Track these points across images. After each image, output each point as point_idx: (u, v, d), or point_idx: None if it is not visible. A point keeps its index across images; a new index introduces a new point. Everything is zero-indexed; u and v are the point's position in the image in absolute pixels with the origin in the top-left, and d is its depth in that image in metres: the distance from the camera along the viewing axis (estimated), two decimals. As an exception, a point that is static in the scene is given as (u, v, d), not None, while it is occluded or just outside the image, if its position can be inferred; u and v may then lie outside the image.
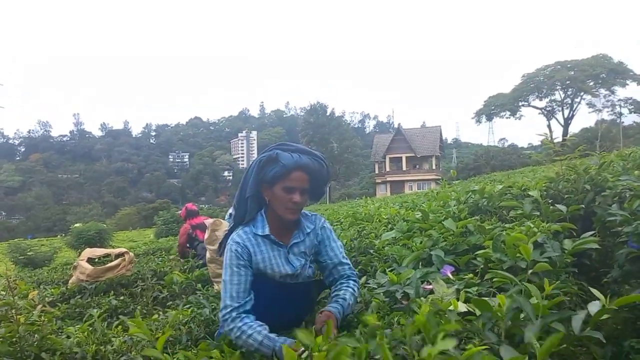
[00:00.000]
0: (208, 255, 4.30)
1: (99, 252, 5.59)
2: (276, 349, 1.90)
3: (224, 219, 4.52)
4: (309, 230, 2.32)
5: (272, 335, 1.96)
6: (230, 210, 2.68)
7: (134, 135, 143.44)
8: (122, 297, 4.29)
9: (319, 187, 2.30)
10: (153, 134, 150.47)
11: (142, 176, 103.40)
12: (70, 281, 5.32)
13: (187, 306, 3.11)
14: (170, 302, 3.89)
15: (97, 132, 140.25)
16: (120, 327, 2.97)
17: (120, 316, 3.26)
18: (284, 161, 2.13)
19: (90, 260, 5.32)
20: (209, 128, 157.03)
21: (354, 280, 2.30)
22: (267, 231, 2.21)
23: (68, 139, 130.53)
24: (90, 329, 2.84)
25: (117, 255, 5.39)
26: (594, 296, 1.70)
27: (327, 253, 2.34)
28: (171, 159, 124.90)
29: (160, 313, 3.24)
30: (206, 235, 4.28)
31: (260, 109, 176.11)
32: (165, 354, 1.90)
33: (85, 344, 2.60)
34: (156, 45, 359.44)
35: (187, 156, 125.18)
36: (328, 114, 67.78)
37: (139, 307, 3.89)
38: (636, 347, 2.46)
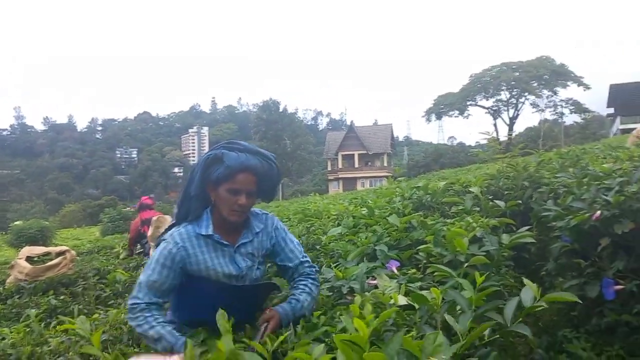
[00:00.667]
0: (152, 252, 4.21)
1: (38, 250, 5.38)
2: (175, 347, 1.84)
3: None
4: (258, 230, 2.21)
5: (177, 334, 1.91)
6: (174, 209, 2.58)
7: (78, 130, 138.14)
8: (62, 297, 4.14)
9: (269, 187, 2.22)
10: (99, 128, 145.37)
11: (87, 172, 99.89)
12: (7, 281, 5.10)
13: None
14: (113, 301, 3.79)
15: (40, 126, 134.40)
16: (58, 327, 2.87)
17: (60, 316, 3.15)
18: (229, 162, 2.04)
19: (29, 259, 5.12)
20: (158, 123, 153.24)
21: (313, 278, 2.20)
22: (210, 231, 2.11)
23: (8, 133, 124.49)
24: (27, 329, 2.74)
25: (58, 254, 5.20)
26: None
27: (285, 255, 2.24)
28: (118, 155, 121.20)
29: (102, 312, 3.14)
30: (149, 232, 4.19)
31: (212, 105, 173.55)
32: (104, 353, 1.85)
33: (21, 345, 2.51)
34: (103, 36, 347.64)
35: (135, 152, 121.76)
36: (281, 110, 67.68)
37: (79, 306, 3.76)
38: (569, 337, 2.58)
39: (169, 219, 4.27)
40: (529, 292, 1.69)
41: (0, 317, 3.82)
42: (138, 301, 1.96)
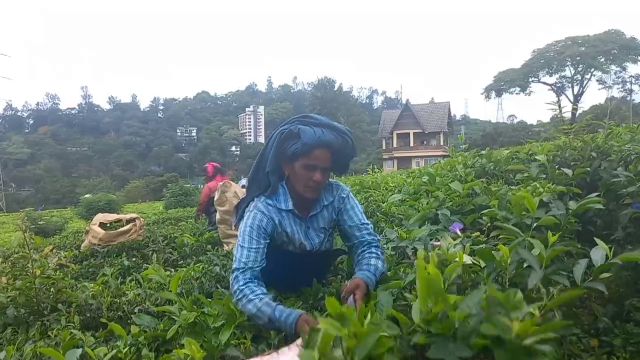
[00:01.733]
0: (218, 216, 4.36)
1: (110, 217, 5.68)
2: (275, 317, 1.76)
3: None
4: (327, 203, 2.21)
5: (273, 303, 1.84)
6: (243, 182, 2.63)
7: (141, 109, 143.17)
8: (134, 259, 4.38)
9: (343, 161, 2.19)
10: (161, 107, 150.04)
11: (150, 150, 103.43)
12: (82, 245, 5.43)
13: (198, 264, 3.18)
14: (182, 262, 3.97)
15: (106, 105, 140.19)
16: (133, 282, 3.06)
17: (134, 273, 3.35)
18: (306, 138, 2.01)
19: (102, 225, 5.42)
20: (217, 102, 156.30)
21: (376, 246, 2.17)
22: (290, 206, 2.12)
23: (76, 111, 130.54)
24: (105, 285, 2.93)
25: (129, 221, 5.48)
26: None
27: (349, 218, 2.22)
28: (179, 133, 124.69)
29: (172, 271, 3.32)
30: (216, 197, 4.33)
31: (268, 84, 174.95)
32: (180, 298, 1.98)
33: (100, 296, 2.68)
34: (164, 17, 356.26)
35: (194, 130, 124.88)
36: (336, 89, 67.40)
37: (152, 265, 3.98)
38: (637, 306, 2.51)
39: (235, 185, 4.42)
40: (600, 251, 1.66)
41: (78, 275, 4.08)
42: (236, 273, 1.97)
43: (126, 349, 1.70)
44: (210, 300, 2.01)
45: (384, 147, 62.58)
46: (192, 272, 2.81)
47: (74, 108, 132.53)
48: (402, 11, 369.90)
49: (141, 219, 5.53)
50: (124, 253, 4.72)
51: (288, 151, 2.05)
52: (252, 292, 1.88)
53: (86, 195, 18.39)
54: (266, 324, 1.79)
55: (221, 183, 4.41)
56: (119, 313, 2.51)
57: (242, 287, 1.90)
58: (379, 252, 2.13)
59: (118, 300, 2.61)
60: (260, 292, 1.89)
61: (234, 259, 2.03)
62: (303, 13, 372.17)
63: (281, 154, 2.09)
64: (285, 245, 2.14)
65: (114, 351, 1.67)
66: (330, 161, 2.08)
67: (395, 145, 60.50)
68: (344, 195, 2.26)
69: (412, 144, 59.73)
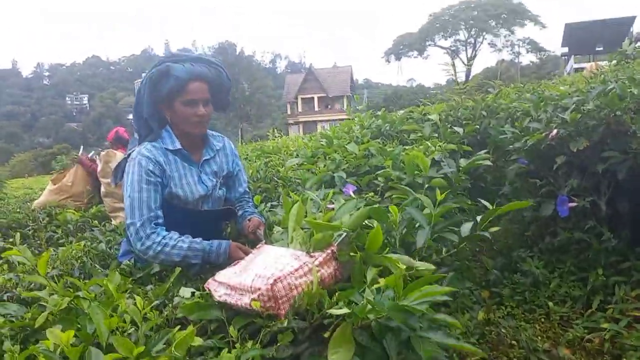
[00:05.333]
0: (102, 189, 4.06)
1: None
2: (209, 249, 1.85)
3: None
4: (217, 148, 2.22)
5: (198, 239, 1.87)
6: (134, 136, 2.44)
7: (24, 76, 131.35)
8: (11, 240, 3.97)
9: (221, 95, 2.17)
10: (46, 74, 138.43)
11: (36, 120, 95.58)
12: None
13: (81, 242, 2.93)
14: (64, 241, 3.67)
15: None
16: (6, 265, 2.75)
17: (3, 255, 3.03)
18: (177, 73, 1.95)
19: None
20: (110, 68, 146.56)
21: (251, 205, 2.35)
22: (178, 145, 2.04)
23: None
24: (-28, 272, 2.60)
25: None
26: (486, 211, 1.74)
27: (238, 182, 2.33)
28: (69, 102, 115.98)
29: (53, 251, 3.03)
30: (99, 168, 4.02)
31: (165, 48, 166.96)
32: (50, 282, 1.76)
33: (-37, 286, 2.38)
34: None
35: (86, 98, 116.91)
36: (237, 53, 65.78)
37: (30, 249, 3.62)
38: (522, 256, 2.65)
39: (119, 155, 4.11)
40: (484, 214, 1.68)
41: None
42: (139, 224, 1.88)
43: (-15, 343, 1.48)
44: (86, 282, 1.81)
45: (289, 112, 62.50)
46: (73, 251, 2.55)
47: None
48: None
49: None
50: (0, 234, 4.28)
51: (163, 92, 1.99)
52: (170, 237, 1.86)
53: (-38, 172, 16.66)
54: (198, 261, 1.84)
55: (103, 153, 4.09)
56: (-15, 302, 2.22)
57: (155, 238, 1.86)
58: (255, 209, 2.33)
59: (-16, 288, 2.31)
60: (176, 235, 1.88)
61: (128, 212, 1.93)
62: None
63: (156, 97, 2.02)
64: (176, 199, 2.03)
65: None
66: (208, 93, 2.06)
67: (300, 110, 60.60)
68: (235, 152, 2.33)
69: (316, 109, 60.13)
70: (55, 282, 1.77)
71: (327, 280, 1.30)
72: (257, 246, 1.65)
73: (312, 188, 2.46)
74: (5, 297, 2.19)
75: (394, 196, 2.08)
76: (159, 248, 1.85)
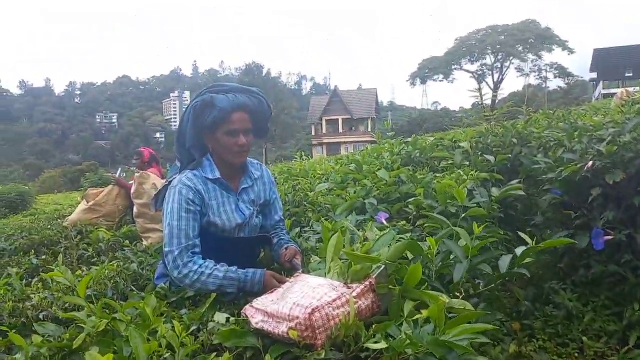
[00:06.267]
0: (135, 209, 4.13)
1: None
2: (244, 278, 1.86)
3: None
4: (256, 177, 2.23)
5: (233, 268, 1.90)
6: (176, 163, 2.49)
7: (57, 94, 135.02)
8: (44, 257, 4.06)
9: (262, 123, 2.21)
10: (78, 93, 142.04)
11: (67, 138, 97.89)
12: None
13: (114, 262, 2.97)
14: (96, 260, 3.73)
15: (16, 91, 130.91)
16: (40, 284, 2.81)
17: (42, 274, 3.09)
18: (221, 104, 2.00)
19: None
20: (139, 88, 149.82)
21: (286, 233, 2.36)
22: (217, 174, 2.08)
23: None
24: (8, 287, 2.67)
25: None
26: (519, 242, 1.73)
27: (275, 210, 2.34)
28: (98, 120, 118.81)
29: (84, 269, 3.08)
30: (133, 189, 4.09)
31: (194, 69, 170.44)
32: (89, 303, 1.80)
33: (2, 301, 2.44)
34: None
35: (115, 117, 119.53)
36: (264, 74, 66.75)
37: (62, 265, 3.69)
38: (555, 288, 2.59)
39: (154, 177, 4.19)
40: (523, 247, 1.67)
41: (-21, 278, 3.74)
42: (177, 253, 1.93)
43: (25, 363, 1.51)
44: (122, 303, 1.84)
45: (313, 134, 62.81)
46: (106, 272, 2.60)
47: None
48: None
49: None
50: (33, 251, 4.37)
51: (206, 122, 2.03)
52: (206, 267, 1.89)
53: (-5, 187, 17.09)
54: (234, 290, 1.87)
55: (138, 174, 4.16)
56: (22, 319, 2.27)
57: (192, 267, 1.89)
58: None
59: (21, 305, 2.36)
60: (212, 264, 1.90)
61: (167, 240, 1.97)
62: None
63: (199, 127, 2.06)
64: (213, 227, 2.07)
65: (11, 366, 1.49)
66: (250, 123, 2.10)
67: (324, 131, 60.86)
68: (272, 180, 2.35)
69: (341, 130, 60.31)
70: (94, 304, 1.80)
71: (365, 312, 1.30)
72: (295, 275, 1.66)
73: (343, 214, 2.47)
74: (41, 316, 2.23)
75: (426, 225, 2.07)
76: (196, 277, 1.88)
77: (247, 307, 1.51)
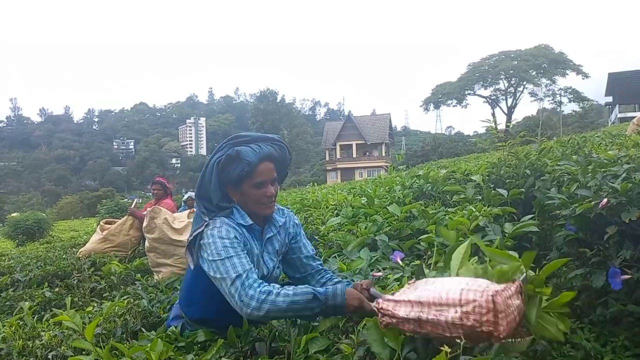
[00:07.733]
0: (147, 244, 4.14)
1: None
2: (322, 291, 1.70)
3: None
4: (280, 224, 2.13)
5: (303, 286, 1.79)
6: (191, 193, 2.43)
7: (75, 121, 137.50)
8: (57, 289, 4.08)
9: (284, 171, 2.17)
10: (96, 119, 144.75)
11: (84, 164, 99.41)
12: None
13: (124, 297, 2.97)
14: (107, 294, 3.73)
15: (36, 118, 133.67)
16: (51, 320, 2.81)
17: (54, 309, 3.10)
18: (248, 157, 1.91)
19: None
20: (155, 114, 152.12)
21: (326, 271, 2.19)
22: (249, 221, 2.00)
23: (4, 124, 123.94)
24: (20, 323, 2.68)
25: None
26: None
27: (304, 248, 2.19)
28: (115, 146, 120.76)
29: (96, 305, 3.09)
30: (145, 223, 4.11)
31: (209, 95, 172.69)
32: (96, 347, 1.79)
33: (12, 339, 2.44)
34: (97, 29, 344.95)
35: (132, 143, 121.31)
36: (278, 100, 67.52)
37: (72, 299, 3.70)
38: (572, 327, 2.52)
39: (165, 211, 4.21)
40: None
41: (-5, 310, 3.77)
42: (242, 279, 1.77)
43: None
44: (130, 346, 1.83)
45: (327, 159, 63.03)
46: (116, 308, 2.60)
47: (2, 121, 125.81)
48: (344, 24, 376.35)
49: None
50: (46, 283, 4.40)
51: (232, 177, 1.94)
52: (273, 286, 1.74)
53: (13, 214, 17.38)
54: (311, 306, 1.69)
55: (150, 209, 4.19)
56: (31, 359, 2.27)
57: (257, 286, 1.74)
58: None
59: (31, 344, 2.37)
60: (279, 285, 1.76)
61: (221, 277, 1.81)
62: (245, 23, 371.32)
63: (225, 180, 1.97)
64: None
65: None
66: (275, 172, 2.03)
67: (338, 156, 61.07)
68: (297, 222, 2.23)
69: (355, 155, 60.48)
70: (101, 347, 1.79)
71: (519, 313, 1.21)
72: (409, 282, 1.53)
73: (355, 251, 2.46)
74: (50, 356, 2.23)
75: (439, 264, 2.04)
76: (263, 297, 1.71)
77: (380, 300, 1.41)
